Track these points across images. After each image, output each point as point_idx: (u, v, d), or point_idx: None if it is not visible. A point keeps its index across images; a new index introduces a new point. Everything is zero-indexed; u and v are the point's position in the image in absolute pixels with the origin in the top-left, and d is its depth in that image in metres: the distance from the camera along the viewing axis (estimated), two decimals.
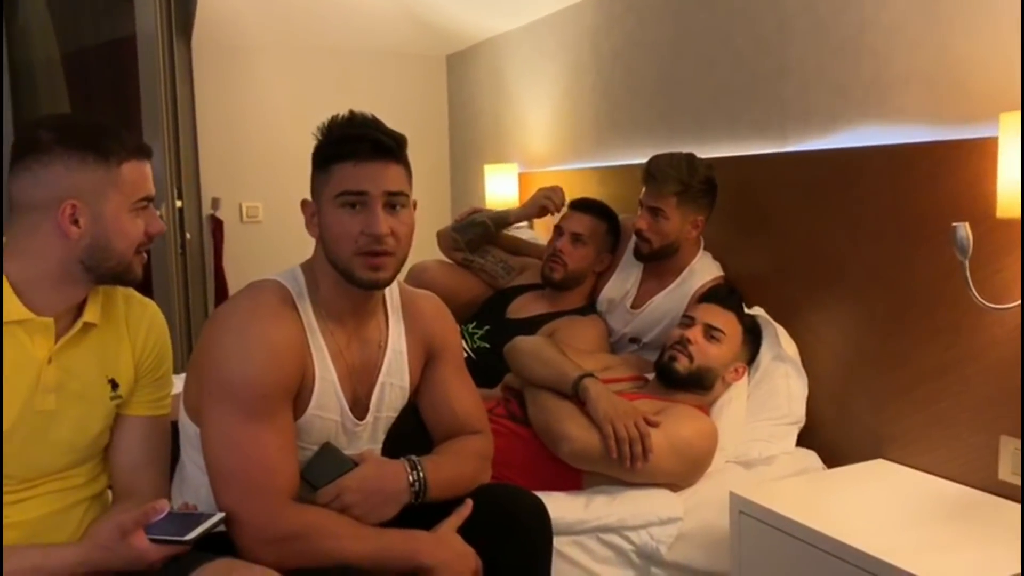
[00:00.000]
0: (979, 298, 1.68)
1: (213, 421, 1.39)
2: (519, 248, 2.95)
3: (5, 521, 1.31)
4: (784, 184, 2.30)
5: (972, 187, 1.78)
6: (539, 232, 3.33)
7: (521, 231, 3.17)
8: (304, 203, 1.48)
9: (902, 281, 1.98)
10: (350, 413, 1.52)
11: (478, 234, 2.82)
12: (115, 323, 1.43)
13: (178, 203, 3.39)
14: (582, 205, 2.64)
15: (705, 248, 2.48)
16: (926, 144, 1.92)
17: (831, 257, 2.16)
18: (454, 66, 4.46)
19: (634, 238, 2.43)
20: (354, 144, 1.42)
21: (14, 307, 1.29)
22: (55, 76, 3.32)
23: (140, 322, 1.47)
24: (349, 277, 1.44)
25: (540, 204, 2.79)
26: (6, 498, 1.32)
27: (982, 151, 1.75)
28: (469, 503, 1.53)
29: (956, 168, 1.83)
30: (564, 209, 2.72)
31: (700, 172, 2.31)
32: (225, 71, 4.02)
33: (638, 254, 2.43)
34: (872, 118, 2.08)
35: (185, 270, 3.49)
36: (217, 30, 3.87)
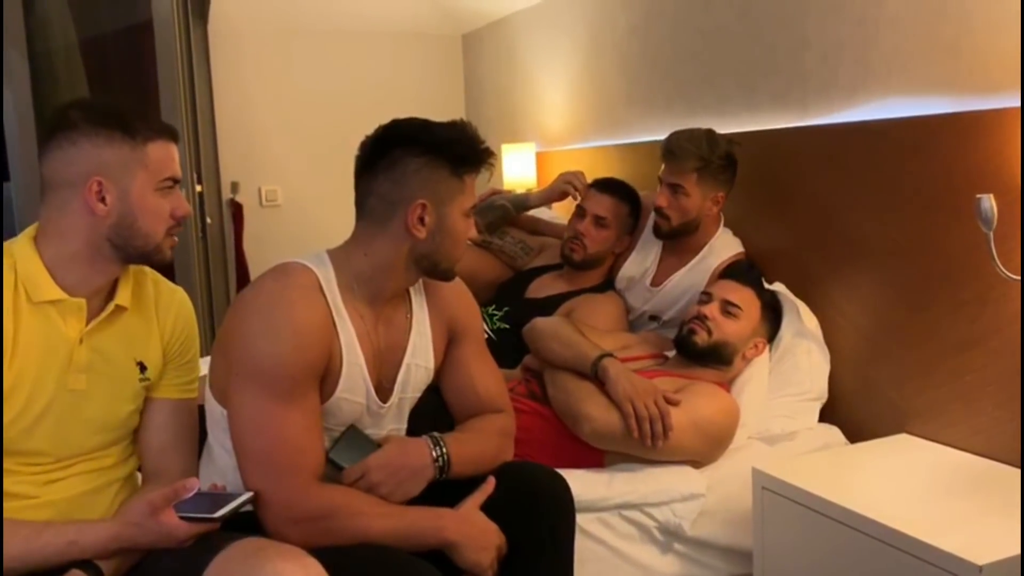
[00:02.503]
0: (1004, 270, 1.66)
1: (240, 402, 1.40)
2: (538, 228, 2.94)
3: (40, 500, 1.34)
4: (805, 157, 2.28)
5: (996, 158, 1.76)
6: (559, 213, 3.32)
7: (541, 211, 3.17)
8: (423, 205, 1.46)
9: (926, 254, 1.96)
10: (375, 395, 1.53)
11: (498, 216, 2.81)
12: (145, 308, 1.46)
13: (198, 187, 3.41)
14: (605, 186, 2.62)
15: (725, 224, 2.47)
16: (949, 115, 1.89)
17: (853, 231, 2.15)
18: (470, 45, 4.44)
19: (653, 215, 2.42)
20: (487, 158, 1.51)
21: (48, 287, 1.32)
22: (73, 62, 3.34)
23: (169, 308, 1.49)
24: (447, 273, 1.56)
25: (561, 189, 2.75)
26: (41, 477, 1.35)
27: (1006, 121, 1.73)
28: (492, 480, 1.54)
29: (980, 139, 1.80)
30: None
31: (720, 148, 2.29)
32: (242, 55, 4.02)
33: (657, 232, 2.42)
34: (894, 89, 2.06)
35: (206, 254, 3.51)
36: (233, 14, 3.88)
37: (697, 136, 2.30)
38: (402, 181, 1.46)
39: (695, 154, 2.27)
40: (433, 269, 1.54)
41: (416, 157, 1.45)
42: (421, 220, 1.47)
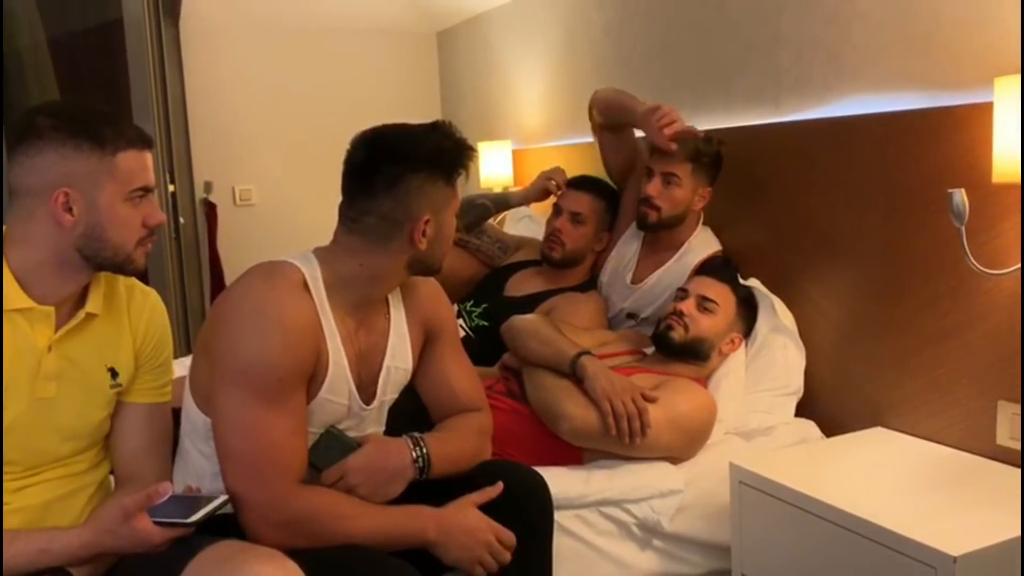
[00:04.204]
0: (976, 264, 1.68)
1: (226, 403, 1.38)
2: (505, 240, 2.91)
3: (10, 507, 1.31)
4: (779, 154, 2.30)
5: (967, 153, 1.78)
6: (538, 213, 3.30)
7: (521, 211, 3.15)
8: (428, 220, 1.47)
9: (899, 249, 1.98)
10: (358, 397, 1.52)
11: (479, 216, 2.80)
12: (117, 313, 1.43)
13: (171, 188, 3.37)
14: (581, 183, 2.62)
15: (704, 222, 2.47)
16: (921, 111, 1.91)
17: (827, 226, 2.16)
18: (445, 43, 4.43)
19: (639, 208, 2.40)
20: (473, 156, 1.51)
21: (16, 295, 1.29)
22: (42, 62, 3.29)
23: (141, 311, 1.47)
24: (438, 271, 1.58)
25: (542, 186, 2.73)
26: (11, 485, 1.32)
27: (977, 116, 1.75)
28: (499, 485, 1.53)
29: (951, 134, 1.82)
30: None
31: (713, 143, 2.31)
32: (214, 53, 3.98)
33: (643, 223, 2.39)
34: (867, 86, 2.07)
35: (180, 255, 3.48)
36: (204, 11, 3.84)
37: (691, 129, 2.31)
38: (405, 200, 1.45)
39: (692, 146, 2.28)
40: (426, 270, 1.56)
41: (415, 173, 1.45)
42: (423, 233, 1.47)
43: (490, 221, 2.90)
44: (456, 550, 1.45)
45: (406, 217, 1.45)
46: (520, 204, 2.87)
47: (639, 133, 2.43)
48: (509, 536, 1.49)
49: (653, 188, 2.33)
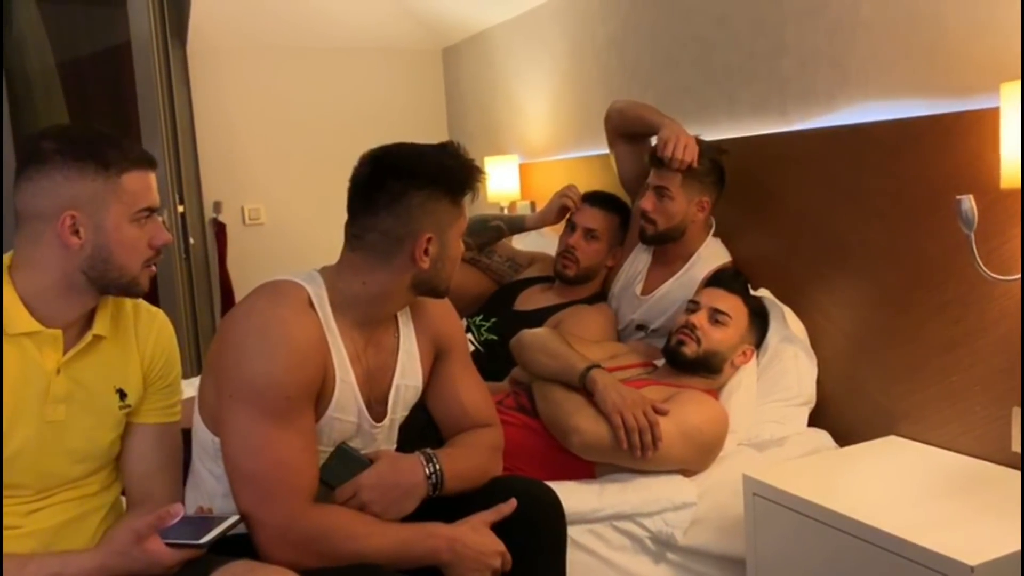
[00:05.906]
0: (986, 270, 1.67)
1: (235, 423, 1.38)
2: (516, 258, 2.91)
3: (22, 530, 1.32)
4: (786, 163, 2.29)
5: (975, 159, 1.77)
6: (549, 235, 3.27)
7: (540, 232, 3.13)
8: (430, 238, 1.46)
9: (908, 256, 1.97)
10: (367, 415, 1.52)
11: (492, 238, 2.79)
12: (124, 334, 1.44)
13: (180, 208, 3.39)
14: (595, 199, 2.61)
15: (715, 234, 2.47)
16: (927, 118, 1.91)
17: (836, 235, 2.16)
18: (450, 59, 4.45)
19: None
20: (480, 178, 1.52)
21: (23, 319, 1.29)
22: (51, 85, 3.32)
23: (148, 332, 1.47)
24: (444, 294, 1.57)
25: (559, 204, 2.69)
26: (22, 508, 1.33)
27: (984, 122, 1.74)
28: (513, 502, 1.53)
29: (958, 141, 1.82)
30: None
31: (705, 154, 2.30)
32: (221, 73, 4.02)
33: (643, 236, 2.41)
34: (872, 94, 2.07)
35: (190, 275, 3.49)
36: (211, 33, 3.87)
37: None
38: (406, 216, 1.45)
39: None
40: (431, 292, 1.55)
41: (418, 190, 1.44)
42: (426, 251, 1.47)
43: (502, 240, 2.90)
44: (466, 572, 1.45)
45: (407, 234, 1.45)
46: (535, 227, 2.83)
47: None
48: (508, 562, 1.49)
49: (648, 202, 2.34)
